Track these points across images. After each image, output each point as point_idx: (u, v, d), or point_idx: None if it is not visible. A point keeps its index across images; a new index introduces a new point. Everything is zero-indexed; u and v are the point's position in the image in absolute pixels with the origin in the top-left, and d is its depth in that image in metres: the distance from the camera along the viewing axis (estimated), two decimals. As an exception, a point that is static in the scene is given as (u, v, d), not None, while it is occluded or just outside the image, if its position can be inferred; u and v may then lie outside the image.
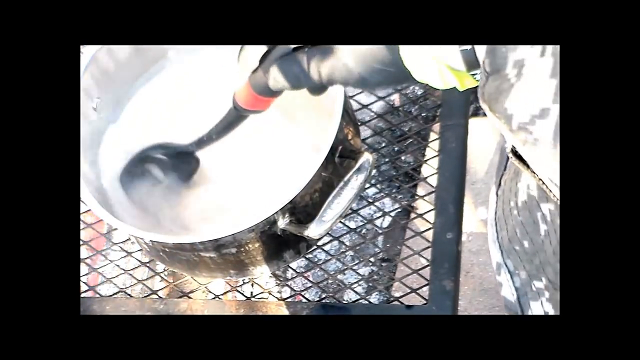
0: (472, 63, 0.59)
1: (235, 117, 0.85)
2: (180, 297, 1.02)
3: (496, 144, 1.60)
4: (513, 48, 0.51)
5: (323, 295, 0.99)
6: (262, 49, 0.72)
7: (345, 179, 0.83)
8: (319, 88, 0.71)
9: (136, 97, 1.04)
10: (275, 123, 0.98)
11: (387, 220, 1.34)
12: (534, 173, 0.59)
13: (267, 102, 0.78)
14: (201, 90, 1.03)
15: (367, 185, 0.97)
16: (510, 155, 0.65)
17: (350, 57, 0.65)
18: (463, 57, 0.59)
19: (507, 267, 0.81)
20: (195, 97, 1.03)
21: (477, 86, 0.56)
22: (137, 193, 0.97)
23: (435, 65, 0.61)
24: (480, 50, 0.56)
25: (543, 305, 0.80)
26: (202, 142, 0.94)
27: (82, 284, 1.04)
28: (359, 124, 1.01)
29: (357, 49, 0.65)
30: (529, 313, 0.81)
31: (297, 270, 1.22)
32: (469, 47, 0.58)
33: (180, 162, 0.97)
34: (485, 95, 0.53)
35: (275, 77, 0.71)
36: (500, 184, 0.82)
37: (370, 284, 1.03)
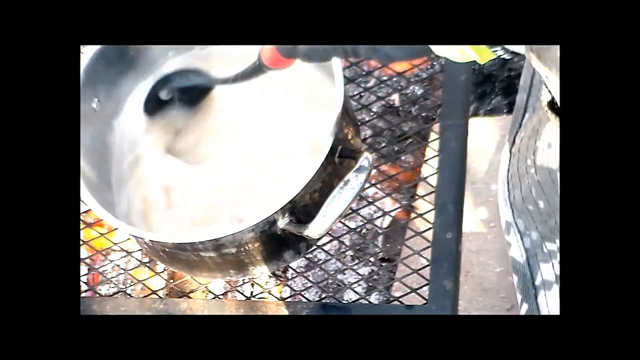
0: None
1: (256, 70, 0.87)
2: (180, 297, 1.02)
3: (496, 143, 1.60)
4: None
5: (323, 295, 0.99)
6: None
7: (345, 178, 0.83)
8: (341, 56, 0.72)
9: (137, 97, 1.04)
10: (275, 123, 0.98)
11: (387, 220, 1.34)
12: None
13: (288, 62, 0.80)
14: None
15: (367, 185, 0.97)
16: (547, 108, 0.63)
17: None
18: None
19: (518, 226, 0.79)
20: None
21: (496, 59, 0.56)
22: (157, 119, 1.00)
23: None
24: None
25: (554, 268, 0.78)
26: (222, 81, 0.96)
27: (82, 284, 1.04)
28: (359, 124, 1.01)
29: None
30: (538, 275, 0.79)
31: (297, 270, 1.22)
32: None
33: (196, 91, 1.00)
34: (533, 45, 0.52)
35: (302, 47, 0.73)
36: (514, 142, 0.79)
37: (370, 284, 1.03)
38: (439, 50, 0.63)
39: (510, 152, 0.80)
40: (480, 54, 0.61)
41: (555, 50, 0.51)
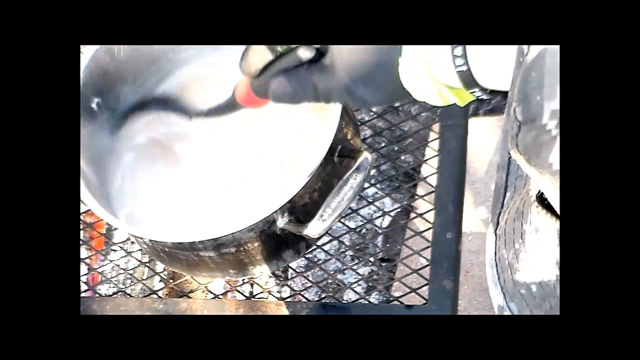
0: (469, 82, 0.60)
1: (232, 105, 0.86)
2: (180, 297, 1.02)
3: (496, 143, 1.60)
4: (549, 96, 0.47)
5: (323, 295, 0.99)
6: (265, 52, 0.73)
7: (345, 178, 0.83)
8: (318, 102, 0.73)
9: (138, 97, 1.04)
10: (274, 122, 0.98)
11: (387, 220, 1.34)
12: None
13: (263, 102, 0.79)
14: (202, 90, 1.03)
15: (367, 185, 0.97)
16: (536, 203, 0.62)
17: (348, 77, 0.67)
18: (460, 77, 0.60)
19: (511, 310, 0.78)
20: (198, 96, 1.03)
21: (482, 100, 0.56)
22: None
23: (433, 85, 0.62)
24: (512, 98, 0.53)
25: None
26: (197, 114, 0.96)
27: (82, 284, 1.04)
28: (359, 123, 1.01)
29: (355, 69, 0.66)
30: None
31: (297, 270, 1.22)
32: (464, 68, 0.59)
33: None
34: (520, 146, 0.50)
35: (275, 89, 0.74)
36: (498, 223, 0.79)
37: (370, 284, 1.03)
38: (418, 94, 0.64)
39: (495, 234, 0.79)
40: (460, 97, 0.62)
41: (545, 157, 0.47)
